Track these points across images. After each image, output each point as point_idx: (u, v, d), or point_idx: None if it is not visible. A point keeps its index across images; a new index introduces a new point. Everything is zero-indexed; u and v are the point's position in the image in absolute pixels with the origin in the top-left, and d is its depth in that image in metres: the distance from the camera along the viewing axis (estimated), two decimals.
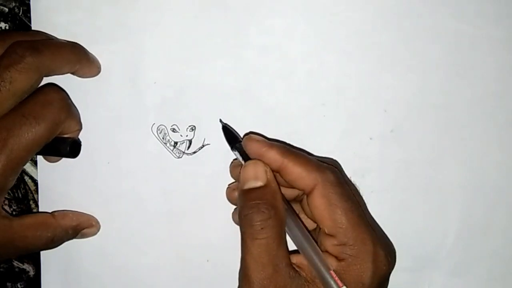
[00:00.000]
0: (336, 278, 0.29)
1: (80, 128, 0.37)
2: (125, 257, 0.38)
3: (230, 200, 0.36)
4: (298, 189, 0.32)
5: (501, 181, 0.37)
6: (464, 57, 0.36)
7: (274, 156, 0.31)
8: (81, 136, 0.37)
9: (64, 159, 0.37)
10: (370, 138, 0.37)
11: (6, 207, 0.40)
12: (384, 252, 0.30)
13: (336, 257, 0.30)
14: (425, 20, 0.36)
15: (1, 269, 0.41)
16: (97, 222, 0.38)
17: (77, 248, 0.38)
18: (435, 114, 0.36)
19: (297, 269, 0.30)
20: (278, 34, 0.37)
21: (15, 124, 0.32)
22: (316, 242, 0.31)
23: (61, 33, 0.37)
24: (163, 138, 0.38)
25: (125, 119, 0.38)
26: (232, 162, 0.36)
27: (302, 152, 0.33)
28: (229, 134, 0.35)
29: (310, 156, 0.33)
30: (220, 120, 0.36)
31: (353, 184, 0.35)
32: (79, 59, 0.35)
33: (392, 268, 0.31)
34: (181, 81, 0.37)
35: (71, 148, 0.35)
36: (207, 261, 0.38)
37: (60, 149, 0.35)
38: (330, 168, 0.31)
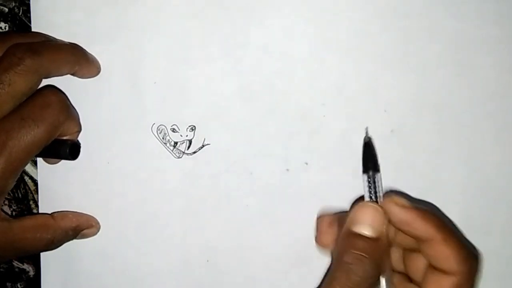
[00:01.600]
0: None
1: (80, 130, 0.37)
2: (125, 257, 0.38)
3: (320, 240, 0.32)
4: (434, 265, 0.28)
5: (501, 181, 0.37)
6: (464, 57, 0.36)
7: (427, 228, 0.28)
8: (81, 136, 0.37)
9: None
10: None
11: (6, 208, 0.40)
12: None
13: None
14: (425, 20, 0.36)
15: (1, 269, 0.41)
16: (97, 223, 0.38)
17: (77, 248, 0.38)
18: (435, 114, 0.36)
19: None
20: (278, 34, 0.37)
21: (14, 127, 0.32)
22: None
23: (61, 33, 0.37)
24: (163, 138, 0.38)
25: (125, 119, 0.38)
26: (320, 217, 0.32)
27: (452, 227, 0.30)
28: (371, 156, 0.30)
29: (459, 233, 0.30)
30: (366, 134, 0.32)
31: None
32: (78, 60, 0.35)
33: None
34: (181, 81, 0.37)
35: (71, 151, 0.35)
36: (207, 261, 0.38)
37: (59, 151, 0.35)
38: (477, 259, 0.28)
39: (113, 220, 0.38)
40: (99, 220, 0.38)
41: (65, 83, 0.37)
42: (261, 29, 0.37)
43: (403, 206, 0.28)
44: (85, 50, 0.36)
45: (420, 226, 0.28)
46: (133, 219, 0.38)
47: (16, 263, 0.40)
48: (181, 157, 0.38)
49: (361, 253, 0.27)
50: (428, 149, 0.37)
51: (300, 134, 0.37)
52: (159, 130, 0.38)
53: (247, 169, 0.37)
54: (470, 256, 0.28)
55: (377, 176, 0.30)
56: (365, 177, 0.30)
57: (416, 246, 0.29)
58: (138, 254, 0.38)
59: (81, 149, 0.37)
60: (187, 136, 0.37)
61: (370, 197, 0.29)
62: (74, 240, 0.37)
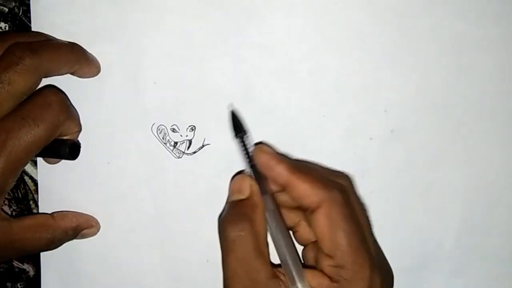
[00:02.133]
0: None
1: (80, 130, 0.37)
2: (125, 257, 0.38)
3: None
4: (304, 206, 0.31)
5: (501, 181, 0.37)
6: (464, 57, 0.36)
7: (281, 171, 0.31)
8: (81, 136, 0.37)
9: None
10: (370, 138, 0.37)
11: (6, 207, 0.40)
12: (380, 280, 0.30)
13: (330, 278, 0.30)
14: (425, 20, 0.36)
15: (1, 269, 0.41)
16: (97, 223, 0.38)
17: (77, 248, 0.38)
18: (435, 114, 0.36)
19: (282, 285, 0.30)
20: (278, 34, 0.37)
21: (14, 126, 0.31)
22: (303, 258, 0.32)
23: (61, 33, 0.37)
24: (163, 138, 0.38)
25: (125, 119, 0.38)
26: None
27: (313, 168, 0.33)
28: (237, 122, 0.35)
29: (319, 172, 0.32)
30: (232, 112, 0.35)
31: (362, 204, 0.34)
32: (78, 59, 0.35)
33: None
34: (181, 81, 0.37)
35: (71, 151, 0.35)
36: (207, 261, 0.38)
37: (59, 151, 0.35)
38: (338, 186, 0.31)
39: (113, 220, 0.38)
40: (99, 220, 0.38)
41: (65, 82, 0.37)
42: (261, 29, 0.37)
43: (266, 152, 0.32)
44: (85, 49, 0.36)
45: (279, 169, 0.31)
46: (133, 219, 0.38)
47: (16, 263, 0.40)
48: (181, 157, 0.38)
49: (233, 215, 0.31)
50: (428, 149, 0.37)
51: (300, 134, 0.37)
52: (159, 130, 0.38)
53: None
54: (329, 184, 0.31)
55: (245, 137, 0.34)
56: (238, 140, 0.34)
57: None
58: (138, 254, 0.38)
59: (81, 149, 0.37)
60: (187, 136, 0.37)
61: (245, 154, 0.33)
62: (74, 240, 0.37)
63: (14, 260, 0.40)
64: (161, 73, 0.37)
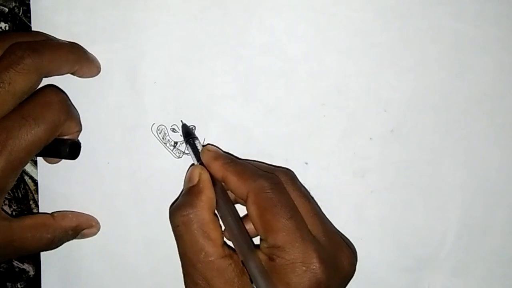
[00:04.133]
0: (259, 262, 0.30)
1: (80, 129, 0.37)
2: (125, 257, 0.38)
3: None
4: (240, 199, 0.33)
5: (501, 181, 0.37)
6: (464, 57, 0.36)
7: (217, 167, 0.34)
8: (81, 136, 0.37)
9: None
10: (370, 138, 0.37)
11: (6, 207, 0.40)
12: (316, 254, 0.30)
13: (268, 257, 0.31)
14: (425, 20, 0.36)
15: (1, 269, 0.41)
16: (97, 223, 0.38)
17: (77, 248, 0.38)
18: (435, 114, 0.36)
19: (239, 261, 0.31)
20: (278, 34, 0.37)
21: (15, 126, 0.31)
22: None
23: (61, 33, 0.37)
24: (163, 138, 0.38)
25: (125, 119, 0.38)
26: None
27: (247, 163, 0.34)
28: (186, 129, 0.37)
29: (254, 167, 0.34)
30: (181, 121, 0.37)
31: (302, 192, 0.34)
32: (78, 59, 0.35)
33: (331, 273, 0.30)
34: (181, 81, 0.37)
35: (71, 150, 0.35)
36: None
37: (59, 151, 0.35)
38: (265, 175, 0.32)
39: (113, 220, 0.38)
40: (99, 220, 0.38)
41: (66, 82, 0.37)
42: (261, 29, 0.37)
43: (208, 151, 0.35)
44: (85, 49, 0.36)
45: (215, 165, 0.34)
46: (133, 219, 0.38)
47: (16, 263, 0.40)
48: (181, 157, 0.38)
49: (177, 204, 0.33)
50: (428, 149, 0.37)
51: (300, 134, 0.37)
52: (159, 130, 0.38)
53: None
54: (255, 175, 0.32)
55: (196, 141, 0.36)
56: (188, 145, 0.36)
57: None
58: (138, 254, 0.38)
59: (81, 149, 0.37)
60: None
61: (195, 155, 0.35)
62: (74, 240, 0.37)
63: (14, 260, 0.40)
64: (161, 73, 0.37)
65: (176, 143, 0.38)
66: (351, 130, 0.37)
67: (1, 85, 0.31)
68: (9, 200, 0.40)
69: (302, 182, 0.36)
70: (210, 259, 0.31)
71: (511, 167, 0.36)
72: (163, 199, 0.38)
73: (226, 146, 0.37)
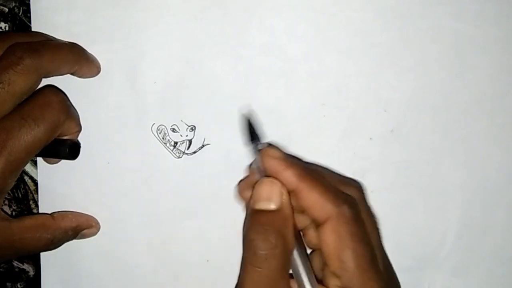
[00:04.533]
0: None
1: (80, 130, 0.37)
2: (125, 257, 0.38)
3: (240, 198, 0.34)
4: (310, 217, 0.29)
5: (501, 181, 0.37)
6: (464, 57, 0.36)
7: (290, 178, 0.29)
8: (81, 136, 0.37)
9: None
10: (370, 138, 0.37)
11: (6, 207, 0.40)
12: None
13: None
14: (425, 20, 0.36)
15: (1, 269, 0.41)
16: (97, 223, 0.38)
17: (77, 248, 0.38)
18: (435, 114, 0.36)
19: None
20: (278, 34, 0.37)
21: (14, 126, 0.32)
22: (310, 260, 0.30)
23: (61, 33, 0.37)
24: (163, 138, 0.38)
25: (125, 119, 0.38)
26: (242, 180, 0.34)
27: (323, 175, 0.31)
28: (252, 130, 0.33)
29: (330, 181, 0.30)
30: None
31: (373, 216, 0.32)
32: (78, 59, 0.35)
33: None
34: (181, 81, 0.37)
35: (70, 150, 0.35)
36: (207, 261, 0.38)
37: (59, 151, 0.35)
38: (349, 200, 0.29)
39: (113, 220, 0.38)
40: (99, 220, 0.38)
41: (65, 83, 0.37)
42: (261, 29, 0.37)
43: (274, 157, 0.30)
44: (85, 49, 0.36)
45: (287, 175, 0.29)
46: (133, 219, 0.38)
47: (16, 263, 0.40)
48: (181, 157, 0.38)
49: (263, 226, 0.28)
50: (428, 149, 0.37)
51: (300, 134, 0.37)
52: (159, 130, 0.38)
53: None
54: (339, 198, 0.29)
55: (262, 145, 0.32)
56: (252, 147, 0.32)
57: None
58: (138, 254, 0.38)
59: (81, 149, 0.37)
60: (187, 136, 0.37)
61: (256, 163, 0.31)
62: (74, 240, 0.37)
63: (14, 260, 0.40)
64: (161, 73, 0.37)
65: (176, 143, 0.38)
66: (351, 130, 0.37)
67: (0, 86, 0.31)
68: (9, 200, 0.40)
69: None
70: None
71: (511, 167, 0.36)
72: (163, 199, 0.38)
73: (226, 146, 0.37)
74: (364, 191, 0.33)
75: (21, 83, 0.32)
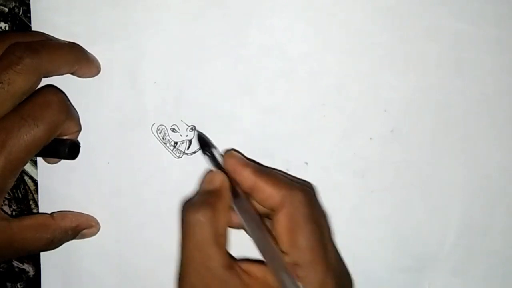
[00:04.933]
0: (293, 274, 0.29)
1: (80, 130, 0.37)
2: (125, 257, 0.38)
3: None
4: (269, 209, 0.32)
5: (501, 181, 0.37)
6: (464, 57, 0.36)
7: (247, 175, 0.32)
8: (81, 136, 0.37)
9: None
10: (370, 138, 0.37)
11: (6, 207, 0.40)
12: (333, 282, 0.30)
13: None
14: (425, 20, 0.36)
15: (1, 269, 0.41)
16: (97, 223, 0.38)
17: (77, 248, 0.38)
18: (435, 114, 0.36)
19: (242, 274, 0.30)
20: (278, 34, 0.37)
21: (14, 126, 0.32)
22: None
23: (61, 33, 0.37)
24: (163, 138, 0.38)
25: (125, 119, 0.38)
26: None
27: (277, 172, 0.34)
28: (203, 140, 0.36)
29: (282, 175, 0.33)
30: (197, 131, 0.37)
31: (324, 211, 0.34)
32: (78, 59, 0.35)
33: None
34: (181, 81, 0.37)
35: (70, 150, 0.35)
36: None
37: (59, 151, 0.35)
38: (300, 187, 0.32)
39: (113, 220, 0.38)
40: (99, 220, 0.38)
41: (65, 82, 0.37)
42: (261, 29, 0.37)
43: (234, 157, 0.33)
44: (85, 49, 0.36)
45: (245, 172, 0.32)
46: (133, 219, 0.38)
47: (16, 263, 0.40)
48: (181, 157, 0.38)
49: (197, 202, 0.31)
50: (428, 149, 0.37)
51: (300, 134, 0.37)
52: (159, 130, 0.38)
53: None
54: (291, 185, 0.31)
55: (214, 150, 0.35)
56: (205, 156, 0.35)
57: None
58: (138, 254, 0.38)
59: (81, 149, 0.37)
60: (187, 136, 0.37)
61: (214, 164, 0.35)
62: (74, 240, 0.37)
63: (14, 260, 0.40)
64: (161, 73, 0.37)
65: (176, 143, 0.38)
66: (351, 130, 0.37)
67: (0, 85, 0.31)
68: (9, 200, 0.40)
69: None
70: (216, 267, 0.30)
71: (511, 167, 0.36)
72: (163, 199, 0.38)
73: (226, 146, 0.37)
74: (315, 190, 0.35)
75: (21, 82, 0.32)
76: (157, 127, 0.38)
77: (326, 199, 0.36)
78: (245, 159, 0.34)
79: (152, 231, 0.38)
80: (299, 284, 0.29)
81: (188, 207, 0.31)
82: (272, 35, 0.37)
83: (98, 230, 0.38)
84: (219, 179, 0.33)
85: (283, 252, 0.30)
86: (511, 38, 0.36)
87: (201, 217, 0.30)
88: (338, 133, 0.37)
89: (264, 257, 0.31)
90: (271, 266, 0.30)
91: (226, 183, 0.32)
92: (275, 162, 0.37)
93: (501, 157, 0.36)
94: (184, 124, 0.37)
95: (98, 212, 0.38)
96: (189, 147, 0.38)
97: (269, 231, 0.32)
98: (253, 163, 0.34)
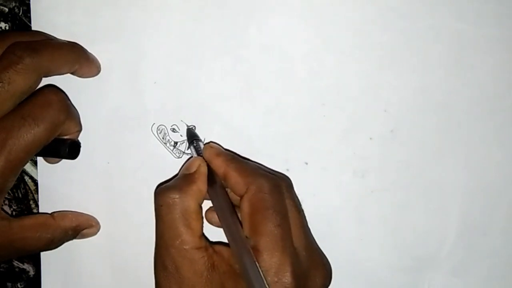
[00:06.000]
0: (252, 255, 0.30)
1: (80, 129, 0.37)
2: (125, 257, 0.38)
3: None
4: (238, 196, 0.32)
5: (501, 181, 0.37)
6: (464, 57, 0.36)
7: (219, 163, 0.33)
8: (81, 136, 0.37)
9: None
10: (370, 138, 0.37)
11: (6, 207, 0.40)
12: (291, 269, 0.30)
13: None
14: (425, 20, 0.36)
15: (1, 269, 0.41)
16: (97, 223, 0.38)
17: (77, 248, 0.38)
18: (435, 114, 0.36)
19: (213, 255, 0.31)
20: (278, 34, 0.37)
21: (14, 126, 0.32)
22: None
23: (61, 33, 0.37)
24: (163, 138, 0.38)
25: (125, 119, 0.38)
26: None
27: (251, 163, 0.35)
28: (190, 132, 0.37)
29: (252, 164, 0.34)
30: (186, 125, 0.37)
31: (297, 202, 0.34)
32: (78, 59, 0.35)
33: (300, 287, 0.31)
34: (181, 81, 0.37)
35: (70, 150, 0.35)
36: None
37: (59, 151, 0.35)
38: (266, 175, 0.32)
39: (113, 220, 0.38)
40: (99, 220, 0.38)
41: (65, 82, 0.37)
42: (261, 29, 0.37)
43: (210, 147, 0.35)
44: (85, 49, 0.36)
45: (217, 161, 0.34)
46: (133, 219, 0.38)
47: (16, 263, 0.40)
48: (181, 157, 0.38)
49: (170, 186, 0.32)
50: (428, 149, 0.37)
51: (300, 134, 0.37)
52: (159, 130, 0.38)
53: None
54: (256, 174, 0.32)
55: (199, 142, 0.36)
56: (191, 146, 0.36)
57: None
58: (138, 254, 0.38)
59: (81, 149, 0.37)
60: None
61: (197, 154, 0.36)
62: (74, 240, 0.37)
63: (14, 260, 0.40)
64: (161, 73, 0.37)
65: (176, 143, 0.38)
66: (351, 130, 0.37)
67: (0, 85, 0.31)
68: (9, 200, 0.40)
69: (302, 182, 0.36)
70: (185, 247, 0.30)
71: (511, 167, 0.36)
72: None
73: (226, 146, 0.37)
74: (290, 182, 0.35)
75: (21, 82, 0.32)
76: (157, 127, 0.38)
77: (326, 199, 0.36)
78: (221, 149, 0.35)
79: (152, 231, 0.38)
80: (259, 267, 0.29)
81: (160, 190, 0.32)
82: (272, 35, 0.37)
83: (98, 230, 0.38)
84: (195, 165, 0.33)
85: (247, 237, 0.31)
86: (511, 38, 0.36)
87: (168, 199, 0.31)
88: (338, 133, 0.37)
89: (229, 241, 0.31)
90: (234, 249, 0.31)
91: (203, 169, 0.33)
92: (275, 162, 0.37)
93: (501, 157, 0.36)
94: (184, 124, 0.37)
95: (98, 212, 0.38)
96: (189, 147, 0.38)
97: (238, 218, 0.33)
98: (229, 153, 0.35)
